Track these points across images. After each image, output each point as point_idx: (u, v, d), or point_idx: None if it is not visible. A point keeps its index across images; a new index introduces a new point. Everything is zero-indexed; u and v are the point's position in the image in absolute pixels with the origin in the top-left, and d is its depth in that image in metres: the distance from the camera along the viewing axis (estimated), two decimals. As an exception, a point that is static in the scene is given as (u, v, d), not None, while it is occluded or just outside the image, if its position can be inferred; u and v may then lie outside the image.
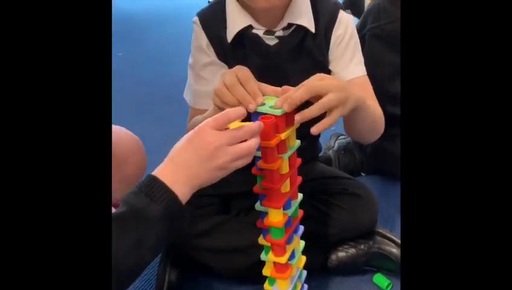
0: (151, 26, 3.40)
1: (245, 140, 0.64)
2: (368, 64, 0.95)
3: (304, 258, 0.83)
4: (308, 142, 0.98)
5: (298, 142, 0.75)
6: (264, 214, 0.74)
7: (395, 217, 1.20)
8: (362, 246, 1.02)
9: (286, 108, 0.67)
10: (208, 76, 0.92)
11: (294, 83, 0.70)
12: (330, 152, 1.43)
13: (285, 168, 0.72)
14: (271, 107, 0.68)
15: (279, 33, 0.89)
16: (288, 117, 0.69)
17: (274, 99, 0.69)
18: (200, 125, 0.64)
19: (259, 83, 0.72)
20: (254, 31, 0.89)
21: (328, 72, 0.93)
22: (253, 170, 0.72)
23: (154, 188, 0.60)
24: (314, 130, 0.68)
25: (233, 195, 1.03)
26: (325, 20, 0.91)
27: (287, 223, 0.74)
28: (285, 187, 0.73)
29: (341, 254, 1.02)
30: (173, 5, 3.94)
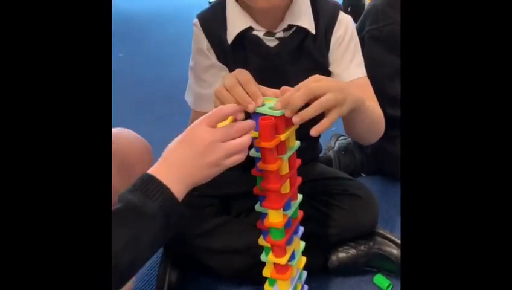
0: (151, 27, 3.40)
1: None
2: (366, 66, 0.95)
3: (304, 259, 0.83)
4: (308, 143, 0.98)
5: (298, 143, 0.75)
6: (264, 215, 0.74)
7: (395, 217, 1.20)
8: (362, 247, 1.02)
9: (288, 114, 0.67)
10: (209, 79, 0.92)
11: (295, 84, 0.70)
12: (330, 153, 1.43)
13: (285, 169, 0.72)
14: (270, 108, 0.68)
15: (280, 34, 0.89)
16: (287, 118, 0.69)
17: (274, 101, 0.70)
18: (193, 123, 0.64)
19: (260, 86, 0.72)
20: (254, 32, 0.89)
21: (329, 73, 0.93)
22: (253, 171, 0.72)
23: (149, 185, 0.61)
24: (313, 132, 0.68)
25: (234, 196, 1.03)
26: (325, 22, 0.91)
27: (287, 224, 0.74)
28: (285, 188, 0.73)
29: (341, 255, 1.02)
30: (174, 5, 3.94)
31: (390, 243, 1.01)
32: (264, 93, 0.71)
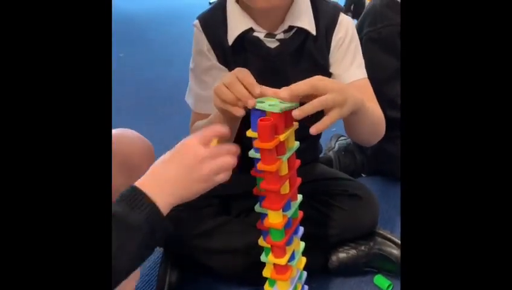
0: (152, 27, 3.40)
1: None
2: (365, 68, 0.95)
3: (304, 260, 0.83)
4: (308, 143, 0.98)
5: (297, 143, 0.75)
6: (264, 215, 0.74)
7: (395, 218, 1.20)
8: (363, 247, 1.02)
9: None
10: (209, 80, 0.92)
11: None
12: (331, 153, 1.43)
13: (285, 170, 0.72)
14: (270, 106, 0.68)
15: (280, 36, 0.90)
16: (287, 118, 0.69)
17: (274, 100, 0.70)
18: (186, 139, 0.66)
19: (260, 85, 0.72)
20: (255, 33, 0.89)
21: (329, 74, 0.93)
22: (253, 172, 0.72)
23: (135, 197, 0.61)
24: (313, 129, 0.68)
25: (234, 196, 1.03)
26: (326, 23, 0.91)
27: (287, 225, 0.74)
28: (285, 189, 0.73)
29: (341, 255, 1.02)
30: (174, 5, 3.94)
31: (391, 244, 1.01)
32: (264, 92, 0.71)
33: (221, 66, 0.92)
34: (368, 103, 0.81)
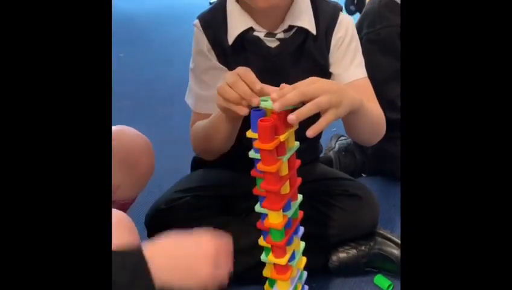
0: (152, 27, 3.39)
1: None
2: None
3: (304, 259, 0.83)
4: (308, 143, 0.98)
5: (297, 143, 0.75)
6: (264, 215, 0.74)
7: (395, 218, 1.20)
8: (363, 247, 1.02)
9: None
10: (209, 80, 0.92)
11: None
12: (331, 153, 1.43)
13: (285, 170, 0.72)
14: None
15: (280, 35, 0.90)
16: (287, 119, 0.69)
17: None
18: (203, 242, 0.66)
19: (261, 84, 0.72)
20: (255, 33, 0.89)
21: (329, 74, 0.93)
22: (253, 172, 0.72)
23: (139, 268, 0.58)
24: (309, 132, 0.68)
25: (234, 196, 1.03)
26: (326, 22, 0.91)
27: (287, 225, 0.74)
28: (285, 189, 0.73)
29: (342, 255, 1.02)
30: (174, 5, 3.93)
31: (391, 244, 1.01)
32: (265, 91, 0.71)
33: (222, 66, 0.92)
34: (368, 103, 0.81)
